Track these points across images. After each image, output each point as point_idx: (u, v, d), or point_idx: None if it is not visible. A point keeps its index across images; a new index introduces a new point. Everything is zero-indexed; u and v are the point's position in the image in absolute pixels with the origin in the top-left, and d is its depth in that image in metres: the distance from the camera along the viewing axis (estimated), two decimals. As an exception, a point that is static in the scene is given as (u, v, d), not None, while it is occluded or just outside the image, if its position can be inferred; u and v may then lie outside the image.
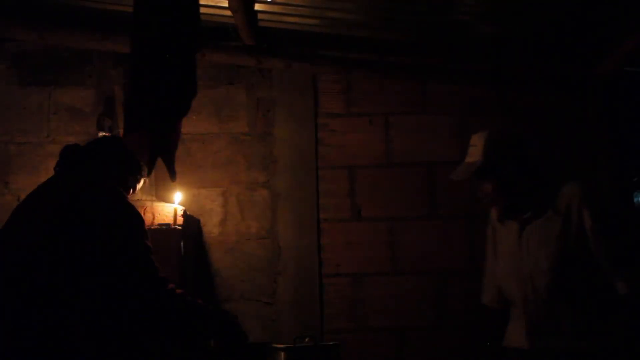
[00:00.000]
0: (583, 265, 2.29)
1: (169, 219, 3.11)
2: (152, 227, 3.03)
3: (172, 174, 2.17)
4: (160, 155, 2.12)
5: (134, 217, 1.91)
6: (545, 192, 2.36)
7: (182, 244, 2.99)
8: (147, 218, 3.13)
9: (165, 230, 2.99)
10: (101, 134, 3.19)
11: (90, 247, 1.80)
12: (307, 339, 2.66)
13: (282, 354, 2.61)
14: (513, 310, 2.41)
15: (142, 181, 2.18)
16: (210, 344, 2.20)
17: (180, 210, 3.07)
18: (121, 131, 2.66)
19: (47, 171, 3.20)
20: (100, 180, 1.96)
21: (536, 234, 2.33)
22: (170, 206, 3.14)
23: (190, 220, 3.18)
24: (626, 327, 2.51)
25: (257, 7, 3.00)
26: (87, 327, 1.78)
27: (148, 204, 3.21)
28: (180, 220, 3.04)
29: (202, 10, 2.34)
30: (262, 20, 3.15)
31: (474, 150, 2.38)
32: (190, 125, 3.29)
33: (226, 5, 2.83)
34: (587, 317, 2.28)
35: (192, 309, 1.94)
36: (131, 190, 2.14)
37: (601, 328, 2.30)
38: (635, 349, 2.53)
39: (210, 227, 3.30)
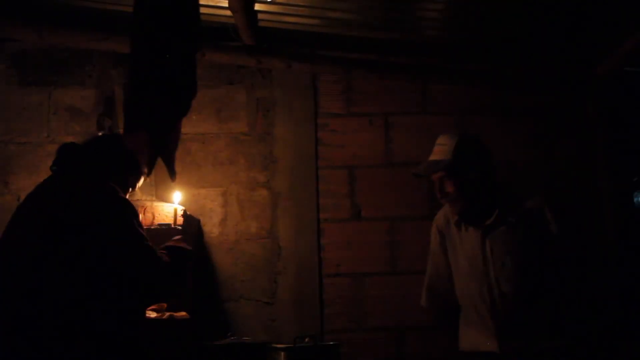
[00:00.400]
0: (548, 269, 2.38)
1: (169, 219, 3.11)
2: (152, 227, 3.03)
3: (172, 174, 2.17)
4: (160, 155, 2.13)
5: (128, 210, 1.93)
6: (507, 201, 2.45)
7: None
8: (147, 218, 3.13)
9: (165, 230, 2.99)
10: (101, 134, 3.19)
11: (88, 246, 1.81)
12: (307, 339, 2.66)
13: (282, 354, 2.61)
14: (472, 313, 2.44)
15: (141, 180, 2.19)
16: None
17: (180, 210, 3.06)
18: (121, 131, 2.66)
19: (47, 171, 3.18)
20: (96, 179, 1.97)
21: (501, 241, 2.39)
22: (170, 206, 3.14)
23: (190, 220, 3.18)
24: (594, 324, 2.78)
25: (257, 7, 3.00)
26: (90, 323, 1.78)
27: (148, 204, 3.21)
28: (180, 220, 3.04)
29: (202, 10, 2.34)
30: (262, 20, 3.15)
31: (441, 149, 2.48)
32: (190, 125, 3.29)
33: (226, 5, 2.83)
34: (555, 317, 2.36)
35: (170, 264, 2.00)
36: (130, 189, 2.14)
37: (569, 327, 2.39)
38: (603, 345, 2.65)
39: (210, 227, 3.30)
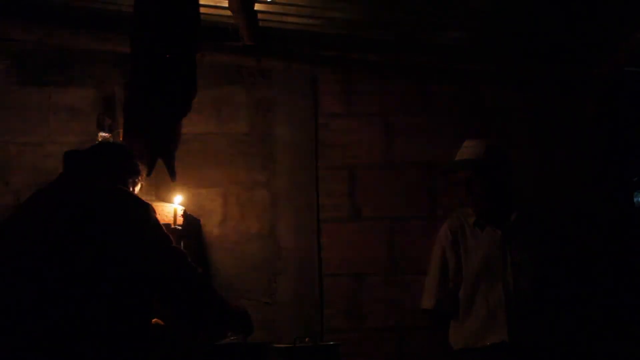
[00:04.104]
0: (561, 266, 2.60)
1: (169, 219, 3.10)
2: (152, 227, 3.02)
3: (172, 174, 2.18)
4: (160, 155, 2.13)
5: (152, 212, 1.96)
6: (523, 204, 2.67)
7: (182, 244, 2.99)
8: (147, 218, 3.12)
9: (165, 230, 2.98)
10: (101, 133, 3.19)
11: (113, 247, 1.81)
12: (307, 339, 2.66)
13: (282, 354, 2.61)
14: (480, 308, 2.54)
15: (139, 185, 2.21)
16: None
17: (180, 210, 3.06)
18: (121, 131, 2.66)
19: (47, 171, 3.21)
20: (110, 183, 1.98)
21: (520, 241, 2.58)
22: (170, 206, 3.14)
23: (190, 220, 3.18)
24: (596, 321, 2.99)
25: (257, 7, 3.00)
26: (102, 323, 1.78)
27: (148, 204, 3.21)
28: (180, 220, 3.04)
29: (202, 10, 2.34)
30: (262, 20, 3.15)
31: (471, 151, 2.64)
32: (190, 125, 3.26)
33: (226, 5, 2.83)
34: (562, 313, 2.54)
35: (216, 294, 2.01)
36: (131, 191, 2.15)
37: (575, 323, 2.63)
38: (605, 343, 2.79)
39: (210, 227, 3.30)
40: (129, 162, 2.11)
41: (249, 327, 2.16)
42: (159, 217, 3.14)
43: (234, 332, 2.22)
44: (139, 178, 2.19)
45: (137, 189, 2.23)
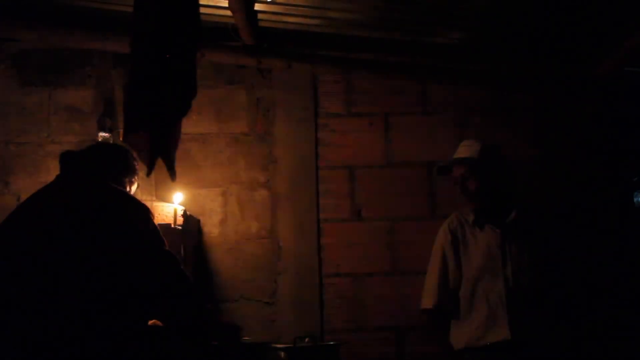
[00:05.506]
0: (561, 264, 2.64)
1: (169, 219, 3.10)
2: (152, 227, 3.02)
3: (172, 174, 2.18)
4: (160, 155, 2.13)
5: (149, 215, 1.97)
6: (522, 203, 2.70)
7: (182, 244, 2.99)
8: (147, 218, 3.13)
9: (165, 230, 2.98)
10: (101, 133, 3.19)
11: (108, 245, 1.82)
12: (307, 339, 2.66)
13: (282, 354, 2.61)
14: (481, 307, 2.56)
15: (136, 184, 2.23)
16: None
17: (180, 210, 3.06)
18: (121, 131, 2.67)
19: (47, 171, 3.22)
20: (107, 183, 1.99)
21: (519, 239, 2.60)
22: (170, 206, 3.14)
23: (190, 220, 3.18)
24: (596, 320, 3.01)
25: (257, 7, 3.00)
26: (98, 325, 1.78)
27: (148, 204, 3.20)
28: (180, 220, 3.04)
29: (202, 10, 2.34)
30: (262, 20, 3.15)
31: (467, 149, 2.69)
32: (190, 125, 3.29)
33: (226, 5, 2.83)
34: (563, 311, 2.58)
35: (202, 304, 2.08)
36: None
37: (575, 320, 2.68)
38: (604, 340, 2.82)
39: (210, 227, 3.30)
40: (125, 162, 2.13)
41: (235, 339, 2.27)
42: (158, 217, 3.16)
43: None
44: (135, 178, 2.20)
45: (134, 188, 2.24)
